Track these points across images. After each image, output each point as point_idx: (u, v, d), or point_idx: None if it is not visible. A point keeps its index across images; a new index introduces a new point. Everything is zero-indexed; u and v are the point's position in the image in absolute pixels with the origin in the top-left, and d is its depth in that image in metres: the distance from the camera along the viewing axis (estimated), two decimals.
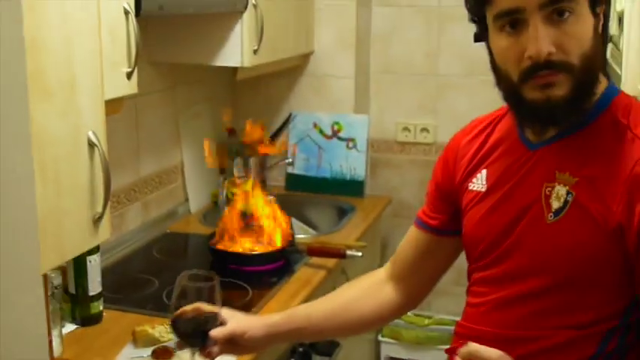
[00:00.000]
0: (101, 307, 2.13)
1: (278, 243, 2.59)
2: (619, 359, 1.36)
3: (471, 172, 1.54)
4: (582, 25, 1.30)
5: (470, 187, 1.53)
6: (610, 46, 2.49)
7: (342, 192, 3.34)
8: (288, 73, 3.36)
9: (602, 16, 1.35)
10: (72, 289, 2.09)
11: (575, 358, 1.36)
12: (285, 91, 3.43)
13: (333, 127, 3.37)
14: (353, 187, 3.34)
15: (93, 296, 2.10)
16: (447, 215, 1.61)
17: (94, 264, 2.09)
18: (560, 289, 1.35)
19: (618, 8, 2.24)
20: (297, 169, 3.41)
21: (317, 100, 3.40)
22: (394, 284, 1.70)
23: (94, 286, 2.10)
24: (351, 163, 3.35)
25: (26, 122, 0.90)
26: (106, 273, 2.25)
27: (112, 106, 1.82)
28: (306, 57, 3.35)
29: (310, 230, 3.12)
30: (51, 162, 1.48)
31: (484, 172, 1.51)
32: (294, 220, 3.06)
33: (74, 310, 2.11)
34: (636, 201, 1.27)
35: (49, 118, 1.46)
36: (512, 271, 1.42)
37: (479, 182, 1.51)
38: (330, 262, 2.58)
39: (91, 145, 1.59)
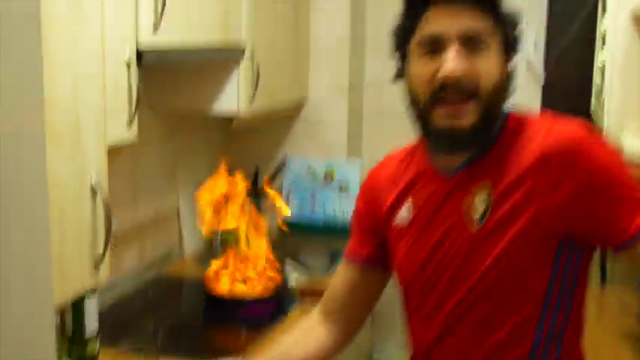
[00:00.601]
0: (97, 348, 2.17)
1: (272, 285, 2.64)
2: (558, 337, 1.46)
3: (395, 207, 1.59)
4: (493, 60, 1.41)
5: (395, 223, 1.59)
6: (594, 97, 2.58)
7: (335, 235, 3.40)
8: (283, 119, 3.43)
9: (510, 65, 1.47)
10: (69, 330, 2.14)
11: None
12: (280, 135, 3.51)
13: (326, 171, 3.44)
14: (346, 231, 3.38)
15: (90, 337, 2.15)
16: (372, 246, 1.67)
17: (91, 305, 2.14)
18: (496, 288, 1.43)
19: (599, 61, 2.34)
20: (291, 213, 3.47)
21: (311, 145, 3.47)
22: (326, 323, 1.75)
23: (91, 326, 2.15)
24: (344, 207, 3.41)
25: (43, 170, 0.96)
26: (102, 314, 2.29)
27: (113, 152, 1.88)
28: (300, 103, 3.43)
29: (304, 273, 3.16)
30: (56, 204, 1.54)
31: (406, 206, 1.57)
32: (287, 262, 3.12)
33: (71, 351, 2.15)
34: (554, 177, 1.37)
35: (57, 162, 1.53)
36: (446, 290, 1.48)
37: (402, 217, 1.57)
38: None
39: (94, 189, 1.66)
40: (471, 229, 1.44)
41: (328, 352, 1.76)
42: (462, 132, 1.40)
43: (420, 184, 1.55)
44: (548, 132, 1.40)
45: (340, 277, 1.74)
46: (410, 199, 1.56)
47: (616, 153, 1.41)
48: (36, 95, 1.00)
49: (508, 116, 1.49)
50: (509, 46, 1.46)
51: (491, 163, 1.45)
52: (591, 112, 2.65)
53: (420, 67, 1.43)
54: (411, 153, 1.62)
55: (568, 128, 1.40)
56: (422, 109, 1.44)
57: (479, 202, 1.44)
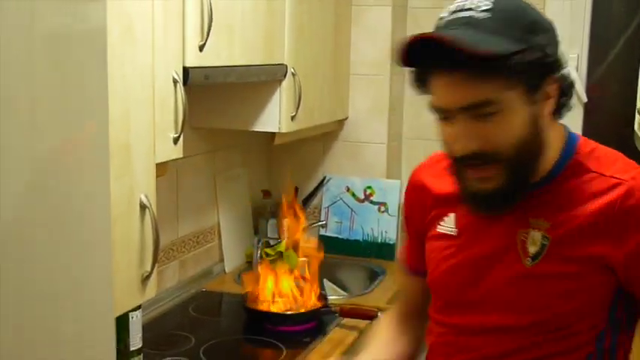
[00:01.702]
0: None
1: (311, 303, 2.65)
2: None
3: (440, 213, 1.55)
4: (511, 120, 1.31)
5: (439, 229, 1.55)
6: (637, 118, 2.57)
7: (374, 255, 3.41)
8: (322, 138, 3.46)
9: (551, 93, 1.35)
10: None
11: None
12: (319, 155, 3.53)
13: (365, 191, 3.45)
14: (384, 251, 3.41)
15: (134, 351, 2.17)
16: (423, 256, 1.63)
17: (136, 320, 2.17)
18: (540, 330, 1.40)
19: None
20: (329, 232, 3.48)
21: (350, 165, 3.49)
22: (407, 331, 1.74)
23: (135, 341, 2.18)
24: (383, 227, 3.42)
25: (107, 194, 0.99)
26: (144, 329, 2.32)
27: (159, 169, 1.92)
28: (340, 123, 3.45)
29: (342, 292, 3.18)
30: None
31: (452, 215, 1.52)
32: (326, 281, 3.14)
33: None
34: (625, 236, 1.33)
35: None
36: (485, 319, 1.45)
37: (448, 225, 1.53)
38: (362, 323, 2.64)
39: (143, 206, 1.69)
40: (525, 262, 1.40)
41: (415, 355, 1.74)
42: (490, 196, 1.36)
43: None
44: (628, 181, 1.35)
45: (409, 283, 1.72)
46: (458, 208, 1.50)
47: None
48: (101, 114, 1.04)
49: (576, 146, 1.43)
50: (538, 82, 1.32)
51: (551, 199, 1.40)
52: (635, 132, 2.64)
53: (440, 129, 1.38)
54: None
55: None
56: (456, 166, 1.40)
57: (534, 240, 1.39)
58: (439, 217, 1.55)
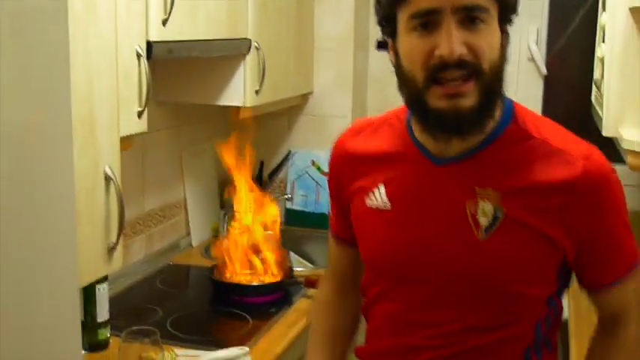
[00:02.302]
0: (108, 334, 2.23)
1: (277, 275, 2.69)
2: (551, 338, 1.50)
3: (367, 185, 1.49)
4: (492, 35, 1.30)
5: (369, 203, 1.48)
6: (594, 89, 2.62)
7: None
8: (287, 112, 3.48)
9: (507, 33, 1.36)
10: (81, 316, 2.19)
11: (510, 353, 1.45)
12: (284, 129, 3.56)
13: None
14: None
15: (101, 323, 2.20)
16: (350, 226, 1.58)
17: (103, 292, 2.20)
18: (494, 300, 1.40)
19: (599, 54, 2.38)
20: (295, 205, 3.52)
21: (315, 139, 3.52)
22: (345, 299, 1.72)
23: (102, 313, 2.20)
24: None
25: (71, 163, 1.02)
26: (112, 302, 2.34)
27: (123, 143, 1.93)
28: (305, 97, 3.48)
29: (308, 264, 3.22)
30: None
31: (382, 188, 1.46)
32: (292, 253, 3.18)
33: (83, 337, 2.20)
34: (573, 205, 1.35)
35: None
36: (432, 292, 1.42)
37: (379, 199, 1.47)
38: None
39: (107, 179, 1.71)
40: (476, 235, 1.37)
41: (358, 323, 1.74)
42: (464, 113, 1.29)
43: (399, 163, 1.46)
44: (585, 161, 1.35)
45: (338, 251, 1.68)
46: (389, 180, 1.46)
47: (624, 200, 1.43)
48: (63, 89, 1.06)
49: (514, 109, 1.41)
50: (508, 14, 1.34)
51: (495, 162, 1.38)
52: (592, 103, 2.70)
53: (414, 44, 1.30)
54: (382, 124, 1.53)
55: (603, 167, 1.37)
56: (418, 89, 1.30)
57: (485, 211, 1.36)
58: (367, 190, 1.49)
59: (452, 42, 1.26)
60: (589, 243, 1.39)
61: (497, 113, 1.39)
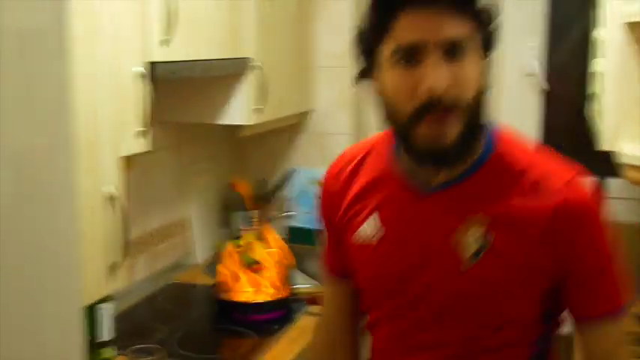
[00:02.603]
0: (115, 353, 2.24)
1: (280, 292, 2.70)
2: None
3: (352, 212, 1.50)
4: (475, 66, 1.30)
5: (361, 233, 1.48)
6: (591, 103, 2.64)
7: None
8: (289, 129, 3.50)
9: (489, 61, 1.36)
10: (86, 335, 2.20)
11: None
12: (286, 147, 3.57)
13: None
14: None
15: (106, 342, 2.21)
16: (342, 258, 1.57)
17: (106, 311, 2.21)
18: (475, 333, 1.40)
19: (596, 69, 2.40)
20: (298, 222, 3.53)
21: (317, 156, 3.53)
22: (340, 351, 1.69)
23: (106, 332, 2.21)
24: None
25: (73, 187, 1.03)
26: (117, 320, 2.35)
27: (127, 162, 1.96)
28: (306, 114, 3.49)
29: (311, 280, 3.23)
30: None
31: (373, 217, 1.46)
32: (295, 270, 3.18)
33: (88, 356, 2.21)
34: (560, 235, 1.33)
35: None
36: (423, 318, 1.43)
37: (369, 229, 1.47)
38: None
39: (111, 198, 1.73)
40: (460, 266, 1.36)
41: None
42: (447, 145, 1.30)
43: (387, 194, 1.46)
44: (565, 189, 1.34)
45: (334, 288, 1.65)
46: (380, 208, 1.46)
47: (611, 234, 1.39)
48: (66, 110, 1.08)
49: (498, 135, 1.41)
50: (488, 43, 1.34)
51: (484, 191, 1.37)
52: (589, 118, 2.71)
53: (397, 79, 1.30)
54: (370, 152, 1.53)
55: (584, 196, 1.35)
56: (403, 123, 1.31)
57: (473, 238, 1.36)
58: (358, 220, 1.49)
59: (436, 76, 1.26)
60: (571, 273, 1.37)
61: (482, 140, 1.39)
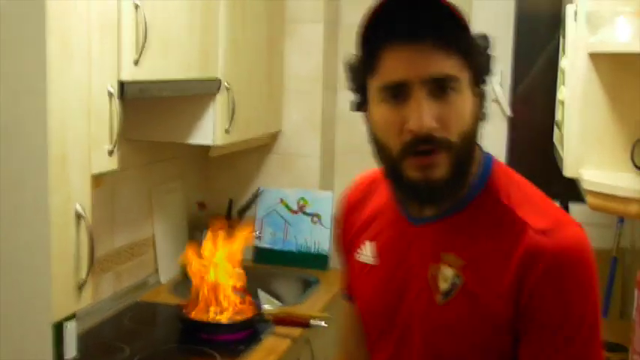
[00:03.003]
0: None
1: (246, 312, 2.71)
2: None
3: (357, 239, 1.52)
4: (463, 103, 1.28)
5: (357, 258, 1.51)
6: (556, 130, 2.70)
7: (307, 265, 3.48)
8: (257, 150, 3.52)
9: (482, 94, 1.34)
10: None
11: None
12: (254, 167, 3.59)
13: (299, 202, 3.53)
14: (318, 261, 3.48)
15: None
16: None
17: (71, 329, 2.20)
18: None
19: (560, 97, 2.45)
20: (264, 243, 3.54)
21: (284, 177, 3.56)
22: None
23: (70, 351, 2.20)
24: (316, 238, 3.50)
25: (46, 201, 1.04)
26: (80, 339, 2.34)
27: (94, 181, 1.96)
28: (274, 135, 3.52)
29: (276, 301, 3.22)
30: None
31: (371, 244, 1.49)
32: (260, 291, 3.19)
33: None
34: (523, 290, 1.28)
35: None
36: (409, 348, 1.42)
37: (367, 254, 1.49)
38: (295, 331, 2.71)
39: (78, 216, 1.73)
40: (436, 299, 1.36)
41: None
42: (435, 184, 1.29)
43: (384, 220, 1.48)
44: (535, 240, 1.28)
45: (348, 309, 1.66)
46: (375, 236, 1.48)
47: (592, 296, 1.30)
48: (40, 130, 1.09)
49: (491, 172, 1.38)
50: (481, 75, 1.33)
51: (463, 229, 1.35)
52: (554, 144, 2.77)
53: (385, 115, 1.30)
54: (377, 181, 1.52)
55: (563, 247, 1.27)
56: (392, 159, 1.31)
57: (445, 277, 1.35)
58: (359, 245, 1.51)
59: (420, 116, 1.25)
60: (527, 329, 1.30)
61: (472, 176, 1.36)
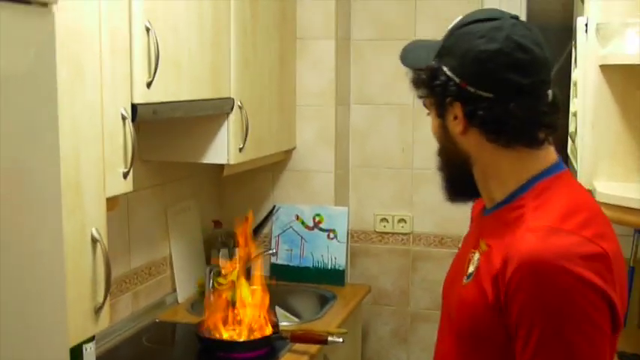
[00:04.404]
0: None
1: (263, 330, 2.71)
2: None
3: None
4: (433, 123, 1.53)
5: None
6: (569, 142, 2.69)
7: (324, 281, 3.48)
8: (271, 167, 3.53)
9: (458, 115, 1.45)
10: None
11: None
12: (268, 185, 3.60)
13: (314, 218, 3.53)
14: (334, 276, 3.48)
15: None
16: None
17: (90, 352, 2.21)
18: (463, 345, 1.49)
19: (573, 109, 2.45)
20: (280, 260, 3.55)
21: (299, 193, 3.56)
22: None
23: None
24: (332, 253, 3.50)
25: (60, 230, 1.05)
26: None
27: (109, 203, 1.97)
28: (288, 152, 3.53)
29: (293, 318, 3.24)
30: None
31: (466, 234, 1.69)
32: (278, 308, 3.20)
33: None
34: (503, 280, 1.35)
35: None
36: (447, 324, 1.57)
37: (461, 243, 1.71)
38: (313, 348, 2.70)
39: (94, 240, 1.75)
40: (462, 280, 1.49)
41: None
42: (445, 184, 1.58)
43: (476, 215, 1.68)
44: (519, 240, 1.35)
45: None
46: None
47: (551, 307, 1.31)
48: (52, 156, 1.10)
49: (549, 176, 1.46)
50: (442, 99, 1.47)
51: (496, 222, 1.47)
52: (568, 156, 2.76)
53: None
54: None
55: (532, 252, 1.32)
56: None
57: (474, 261, 1.47)
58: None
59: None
60: (519, 333, 1.35)
61: (522, 179, 1.46)
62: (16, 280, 1.15)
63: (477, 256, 1.47)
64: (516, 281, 1.32)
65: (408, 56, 1.54)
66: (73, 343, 1.76)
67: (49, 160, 1.25)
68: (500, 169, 1.48)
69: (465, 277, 1.48)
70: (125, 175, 2.07)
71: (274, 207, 3.58)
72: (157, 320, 2.99)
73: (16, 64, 1.22)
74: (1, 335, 1.12)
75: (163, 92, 2.27)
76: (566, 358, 1.31)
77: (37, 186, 1.16)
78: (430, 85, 1.48)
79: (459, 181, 1.56)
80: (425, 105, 1.54)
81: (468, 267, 1.50)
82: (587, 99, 2.18)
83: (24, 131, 1.21)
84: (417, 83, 1.52)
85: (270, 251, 3.52)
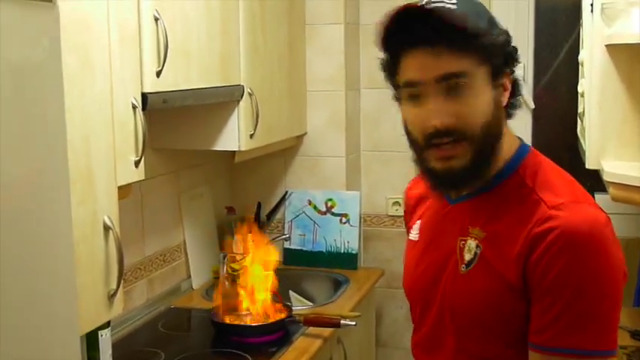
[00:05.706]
0: None
1: (277, 314, 2.74)
2: None
3: (412, 219, 1.68)
4: (479, 98, 1.38)
5: (409, 237, 1.67)
6: (578, 122, 2.69)
7: (337, 265, 3.50)
8: (283, 153, 3.55)
9: (507, 85, 1.43)
10: None
11: None
12: (280, 170, 3.62)
13: (326, 203, 3.55)
14: (347, 260, 3.51)
15: None
16: None
17: (105, 338, 2.24)
18: (468, 336, 1.46)
19: (580, 89, 2.45)
20: (293, 244, 3.57)
21: (311, 179, 3.58)
22: None
23: (106, 358, 2.25)
24: (345, 237, 3.52)
25: (69, 218, 1.08)
26: (115, 347, 2.38)
27: (122, 191, 2.00)
28: (299, 138, 3.55)
29: (307, 302, 3.26)
30: None
31: (418, 222, 1.64)
32: (291, 292, 3.22)
33: None
34: (530, 257, 1.35)
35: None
36: (436, 317, 1.53)
37: (414, 232, 1.64)
38: (326, 331, 2.73)
39: (106, 228, 1.78)
40: (460, 269, 1.47)
41: None
42: (457, 173, 1.40)
43: (430, 201, 1.62)
44: (549, 213, 1.36)
45: None
46: (422, 215, 1.64)
47: (598, 272, 1.34)
48: (59, 142, 1.12)
49: (524, 158, 1.47)
50: (501, 67, 1.41)
51: (490, 207, 1.46)
52: (578, 136, 2.76)
53: (408, 112, 1.43)
54: None
55: (572, 223, 1.33)
56: (419, 150, 1.43)
57: (469, 248, 1.46)
58: (411, 225, 1.67)
59: (436, 115, 1.37)
60: (536, 298, 1.36)
61: (504, 161, 1.46)
62: (25, 268, 1.18)
63: (472, 242, 1.46)
64: (553, 253, 1.33)
65: (467, 20, 1.37)
66: (88, 329, 1.80)
67: (56, 150, 1.27)
68: (502, 147, 1.46)
69: (464, 266, 1.46)
70: (137, 164, 2.10)
71: (286, 192, 3.60)
72: (172, 306, 3.02)
73: (22, 57, 1.25)
74: (12, 322, 1.14)
75: (173, 81, 2.29)
76: (594, 316, 1.34)
77: (45, 172, 1.19)
78: (499, 52, 1.40)
79: (484, 164, 1.44)
80: (458, 82, 1.36)
81: (462, 256, 1.47)
82: (594, 79, 2.19)
83: (31, 122, 1.24)
84: (476, 51, 1.36)
85: (283, 236, 3.54)
